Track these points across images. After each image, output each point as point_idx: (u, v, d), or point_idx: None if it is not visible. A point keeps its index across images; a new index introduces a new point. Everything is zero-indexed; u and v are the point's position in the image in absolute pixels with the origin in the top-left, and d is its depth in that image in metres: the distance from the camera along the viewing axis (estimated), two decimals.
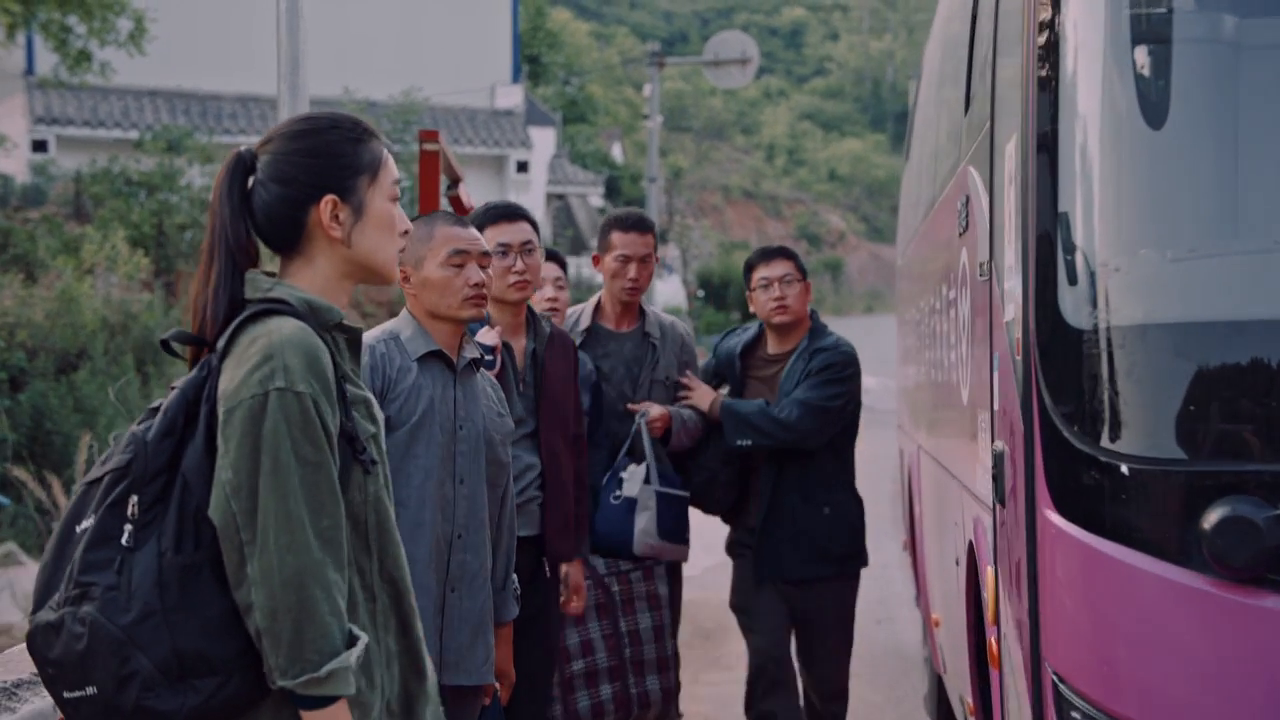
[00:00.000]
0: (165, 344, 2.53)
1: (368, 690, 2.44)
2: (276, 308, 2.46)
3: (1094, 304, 2.81)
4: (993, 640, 3.69)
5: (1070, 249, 2.86)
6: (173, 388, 2.47)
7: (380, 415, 2.60)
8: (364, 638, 2.39)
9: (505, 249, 4.41)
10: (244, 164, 2.55)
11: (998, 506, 3.50)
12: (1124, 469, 2.73)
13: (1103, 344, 2.79)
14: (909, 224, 8.36)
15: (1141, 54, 2.81)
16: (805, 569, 5.41)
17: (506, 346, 4.47)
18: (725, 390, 5.49)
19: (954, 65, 5.44)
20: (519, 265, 4.46)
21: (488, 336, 4.35)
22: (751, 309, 5.50)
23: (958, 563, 4.84)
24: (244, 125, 24.32)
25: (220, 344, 2.45)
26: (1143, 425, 2.75)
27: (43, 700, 3.65)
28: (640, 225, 5.33)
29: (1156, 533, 2.71)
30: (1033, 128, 2.95)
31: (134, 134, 21.45)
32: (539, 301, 5.04)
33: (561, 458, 4.49)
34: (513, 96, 28.01)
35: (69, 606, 2.34)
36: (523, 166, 26.96)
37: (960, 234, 4.52)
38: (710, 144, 60.87)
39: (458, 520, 3.70)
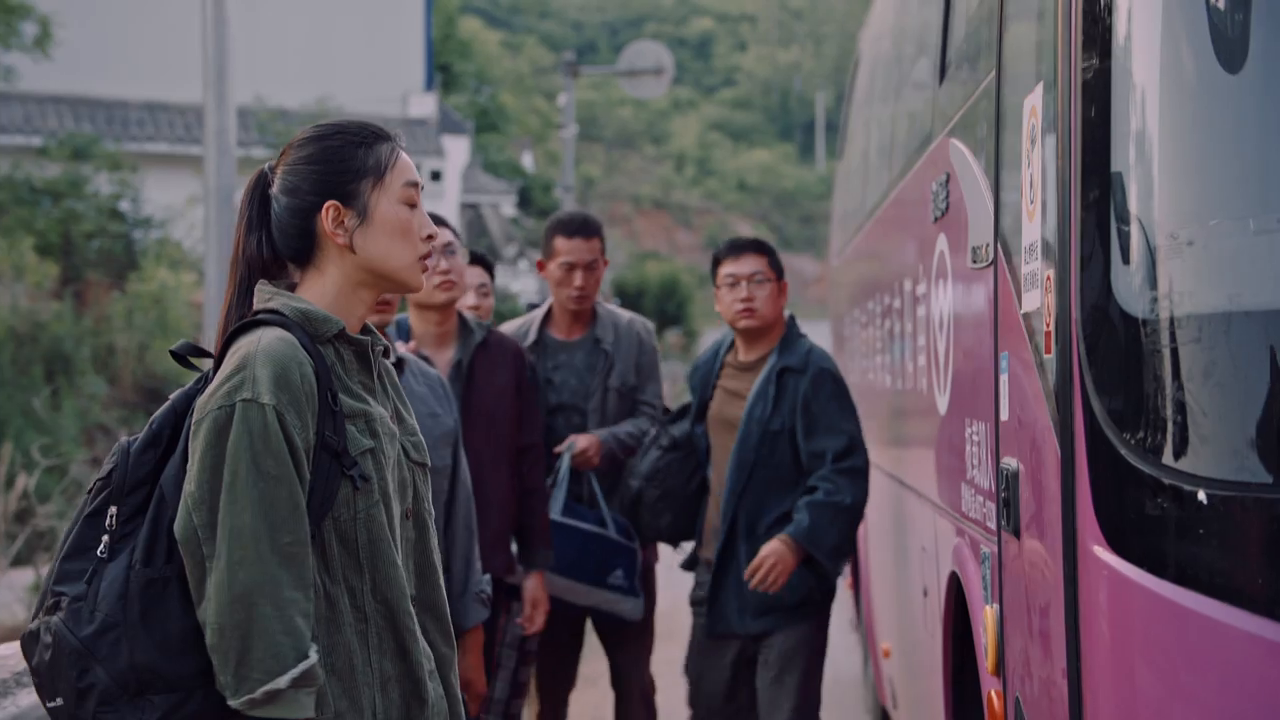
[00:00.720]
0: (177, 355, 2.50)
1: (350, 712, 2.38)
2: (266, 318, 2.42)
3: (1160, 287, 2.23)
4: (993, 694, 3.13)
5: (1128, 219, 2.28)
6: (168, 398, 2.46)
7: (389, 430, 2.49)
8: (310, 659, 2.29)
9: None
10: (263, 180, 2.54)
11: (1005, 536, 2.94)
12: (1201, 496, 2.16)
13: (1171, 337, 2.21)
14: (847, 225, 7.82)
15: None
16: (764, 621, 4.66)
17: (424, 359, 4.15)
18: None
19: (919, 39, 4.90)
20: (443, 265, 4.25)
21: (400, 350, 4.04)
22: (717, 309, 4.86)
23: (926, 593, 4.29)
24: (151, 132, 23.61)
25: (217, 357, 2.44)
26: (1224, 440, 2.16)
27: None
28: (585, 229, 4.94)
29: (1244, 578, 2.13)
30: (1075, 71, 2.38)
31: (38, 140, 20.64)
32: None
33: (490, 472, 4.32)
34: (426, 105, 27.60)
35: (44, 616, 2.35)
36: (436, 175, 26.42)
37: (936, 219, 3.97)
38: (620, 153, 60.47)
39: None
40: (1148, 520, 2.23)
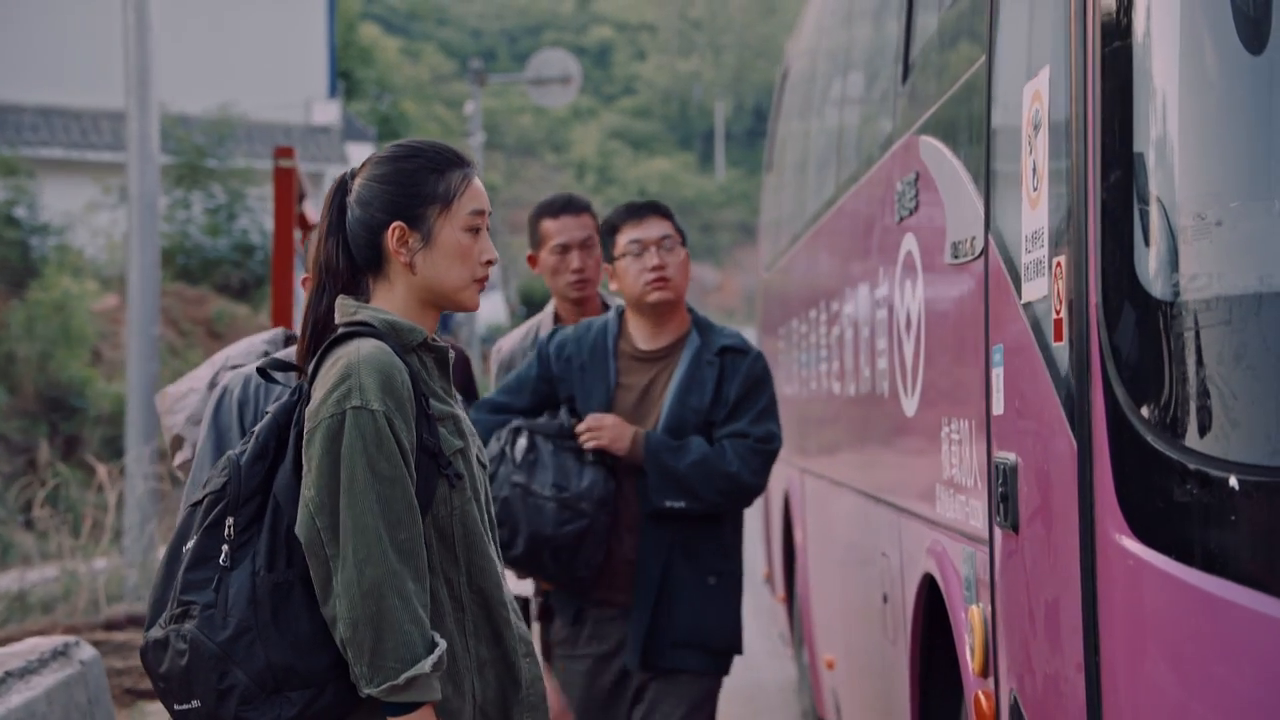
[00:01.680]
0: (263, 372, 2.71)
1: (455, 697, 2.55)
2: (359, 330, 2.56)
3: (1188, 269, 2.21)
4: (981, 695, 3.10)
5: (1150, 201, 2.26)
6: (266, 413, 2.63)
7: (470, 429, 2.69)
8: (442, 644, 2.47)
9: None
10: (344, 186, 2.68)
11: (1003, 533, 2.91)
12: (1233, 482, 2.15)
13: (1199, 320, 2.20)
14: (781, 235, 7.79)
15: None
16: (677, 656, 4.06)
17: None
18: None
19: (872, 43, 4.89)
20: None
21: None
22: (613, 287, 4.19)
23: (887, 599, 4.26)
24: (46, 138, 23.16)
25: (309, 368, 2.59)
26: (1257, 423, 2.15)
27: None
28: (572, 206, 4.51)
29: (1274, 563, 2.13)
30: (1094, 53, 2.36)
31: None
32: None
33: None
34: (329, 112, 27.37)
35: (173, 624, 2.48)
36: None
37: (902, 219, 3.95)
38: (521, 161, 60.30)
39: None
40: (1175, 507, 2.21)
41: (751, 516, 4.61)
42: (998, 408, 2.93)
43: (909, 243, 3.89)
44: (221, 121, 22.69)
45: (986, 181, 3.02)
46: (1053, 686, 2.62)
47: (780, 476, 7.44)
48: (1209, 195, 2.22)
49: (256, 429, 2.61)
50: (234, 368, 3.39)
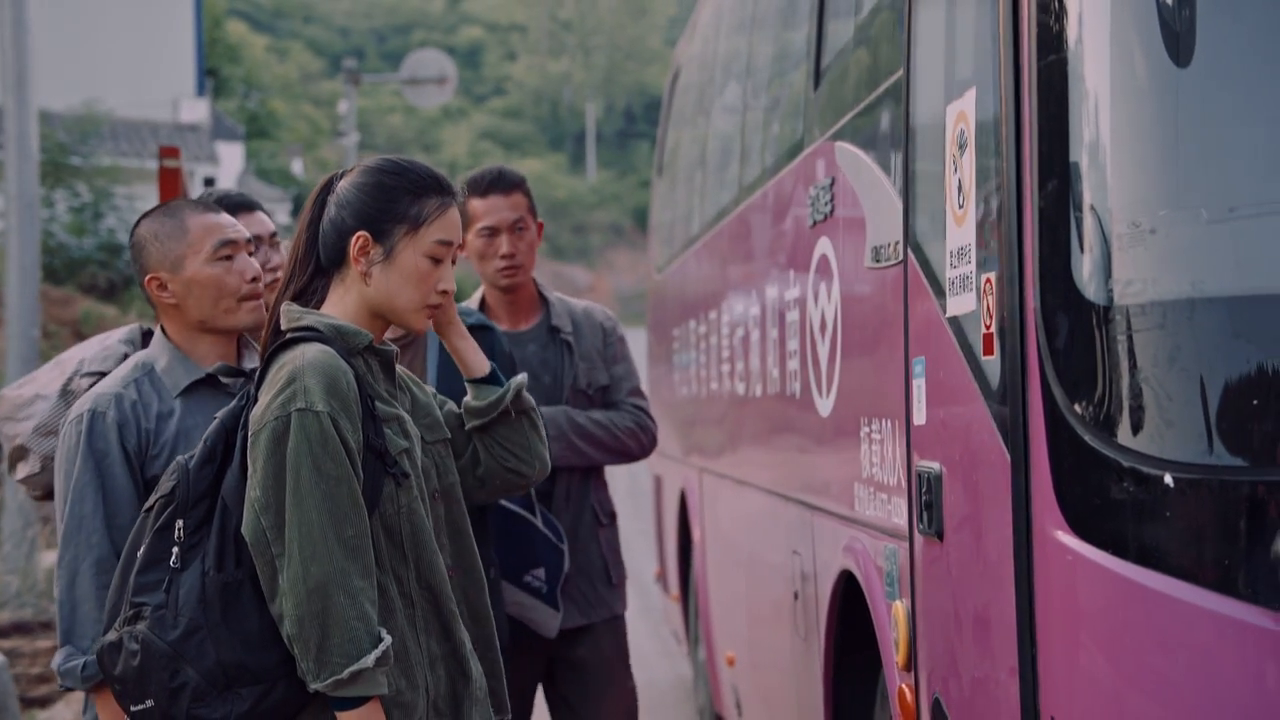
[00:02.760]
0: (213, 376, 2.84)
1: (408, 690, 2.59)
2: (304, 335, 2.62)
3: (1123, 276, 2.30)
4: (904, 689, 3.18)
5: (1085, 211, 2.34)
6: (215, 418, 2.69)
7: (415, 431, 2.74)
8: (387, 639, 2.52)
9: (255, 244, 3.36)
10: (329, 185, 2.77)
11: (925, 539, 2.98)
12: (1167, 479, 2.23)
13: (1134, 324, 2.28)
14: (675, 238, 7.85)
15: None
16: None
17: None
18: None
19: (778, 48, 4.96)
20: (274, 260, 3.49)
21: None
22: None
23: (798, 596, 4.34)
24: None
25: (259, 373, 2.64)
26: (1190, 425, 2.24)
27: None
28: (500, 184, 4.11)
29: (1210, 560, 2.22)
30: (1029, 70, 2.44)
31: None
32: None
33: None
34: (198, 110, 26.99)
35: (126, 626, 2.55)
36: (209, 182, 25.80)
37: (815, 223, 4.02)
38: None
39: None
40: (1111, 503, 2.29)
41: (638, 517, 4.57)
42: (919, 418, 3.00)
43: (823, 246, 3.95)
44: (86, 118, 22.26)
45: (906, 193, 3.10)
46: (979, 687, 2.70)
47: (676, 475, 7.49)
48: (1139, 206, 2.31)
49: (206, 433, 2.65)
50: (91, 374, 3.26)
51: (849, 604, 3.80)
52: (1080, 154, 2.37)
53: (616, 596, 4.32)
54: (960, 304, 2.75)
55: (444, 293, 2.73)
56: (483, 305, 4.22)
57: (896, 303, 3.19)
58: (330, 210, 2.71)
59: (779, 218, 4.65)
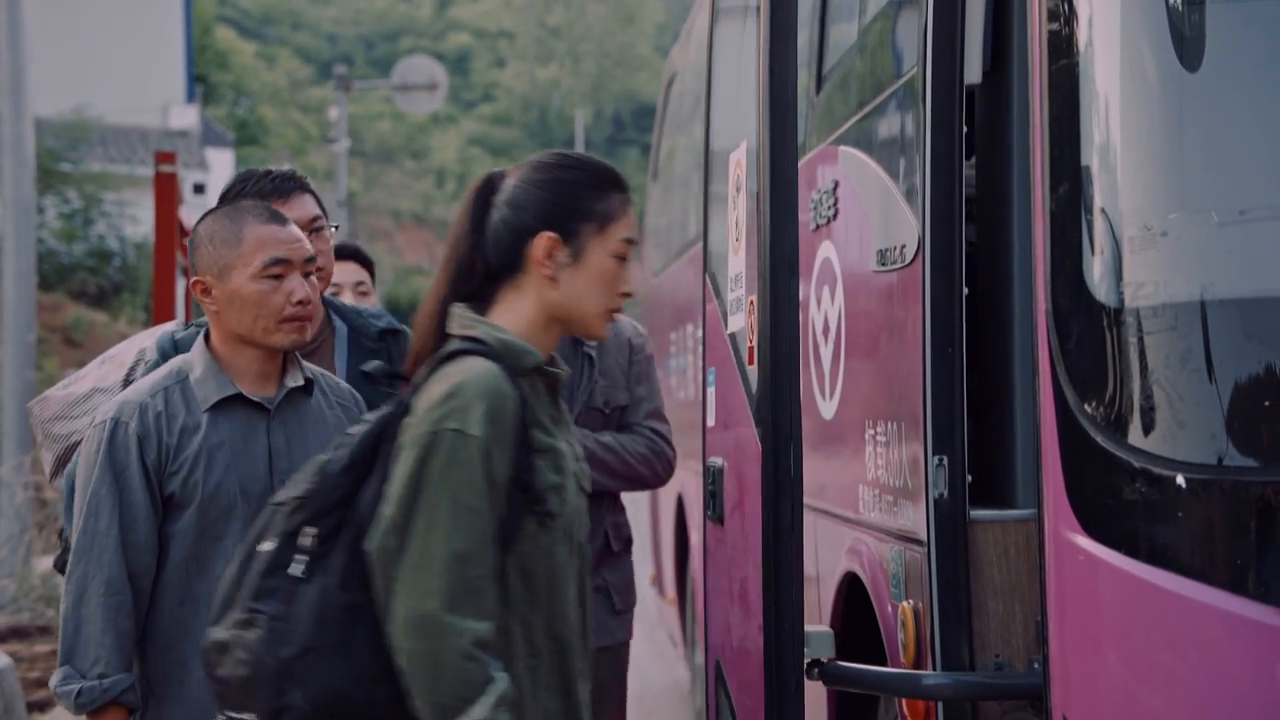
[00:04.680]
0: (370, 376, 2.54)
1: None
2: (472, 348, 2.44)
3: (1134, 278, 2.32)
4: None
5: (1099, 213, 2.37)
6: (366, 420, 2.47)
7: (572, 467, 2.53)
8: (503, 680, 2.32)
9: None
10: (490, 185, 2.56)
11: (710, 524, 3.13)
12: (1180, 480, 2.25)
13: (1146, 327, 2.30)
14: (671, 241, 7.87)
15: None
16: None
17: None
18: None
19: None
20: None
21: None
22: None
23: None
24: None
25: (419, 380, 2.44)
26: (1202, 426, 2.26)
27: None
28: None
29: (1222, 560, 2.23)
30: (1039, 75, 2.46)
31: None
32: None
33: None
34: (187, 116, 26.97)
35: (238, 629, 2.38)
36: (200, 189, 25.78)
37: (818, 227, 4.04)
38: (380, 168, 59.87)
39: None
40: (1124, 505, 2.31)
41: (633, 520, 4.56)
42: (711, 420, 3.41)
43: (826, 250, 3.97)
44: (76, 125, 22.28)
45: (926, 191, 3.11)
46: (743, 649, 2.92)
47: (674, 479, 7.50)
48: (1153, 206, 2.33)
49: (354, 435, 2.45)
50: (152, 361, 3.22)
51: (851, 607, 3.82)
52: (1091, 157, 2.39)
53: (620, 624, 4.15)
54: (736, 322, 2.86)
55: (625, 294, 2.56)
56: None
57: (903, 305, 3.21)
58: (502, 211, 2.51)
59: None
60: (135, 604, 2.88)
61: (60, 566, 3.31)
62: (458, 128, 67.76)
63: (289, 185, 3.41)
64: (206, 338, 3.02)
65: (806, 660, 2.94)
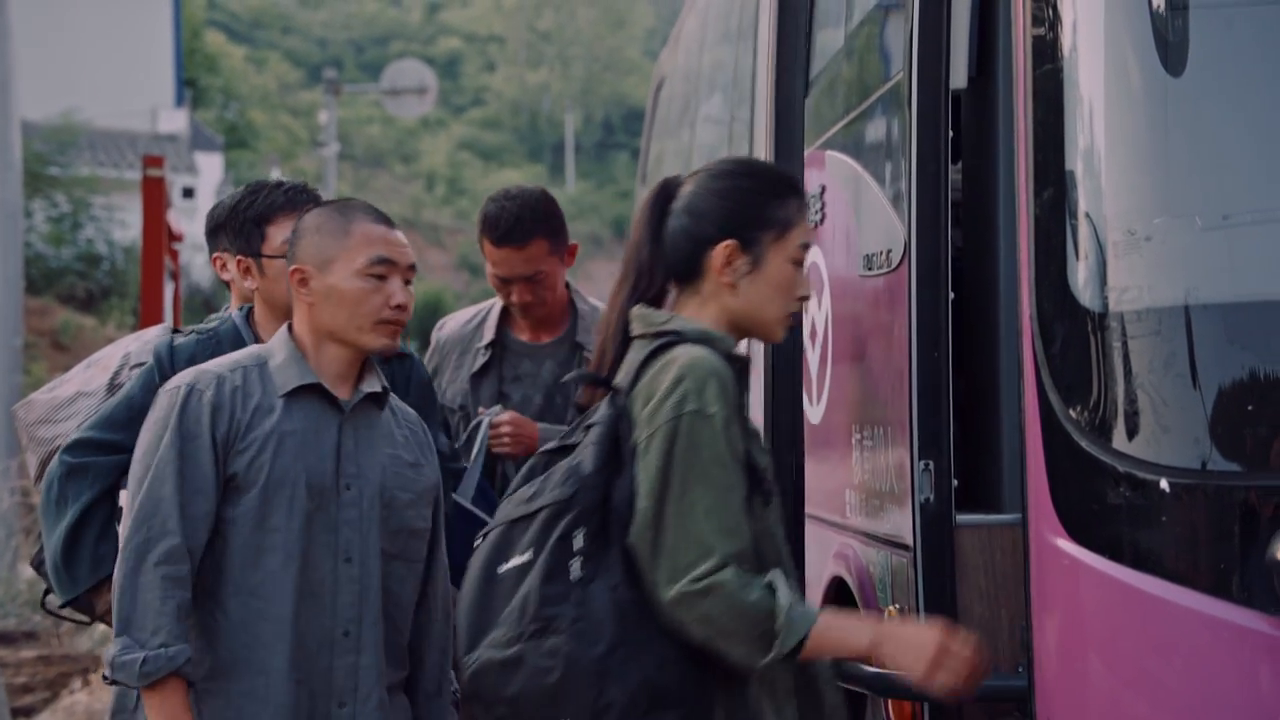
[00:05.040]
0: (589, 381, 2.61)
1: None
2: (677, 339, 2.48)
3: (1118, 283, 2.32)
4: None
5: (1083, 217, 2.37)
6: (588, 425, 2.51)
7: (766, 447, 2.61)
8: (771, 575, 2.40)
9: None
10: (667, 191, 2.60)
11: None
12: (1163, 484, 2.26)
13: (1130, 331, 2.31)
14: None
15: None
16: None
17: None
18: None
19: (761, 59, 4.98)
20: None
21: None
22: (251, 285, 3.30)
23: None
24: None
25: (622, 380, 2.50)
26: (1186, 430, 2.27)
27: None
28: (514, 236, 3.75)
29: (1205, 564, 2.24)
30: (1024, 81, 2.47)
31: None
32: None
33: None
34: (177, 121, 26.94)
35: (529, 641, 2.37)
36: (189, 193, 25.75)
37: None
38: (370, 172, 59.84)
39: (341, 613, 2.82)
40: (1108, 510, 2.32)
41: None
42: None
43: (813, 254, 3.97)
44: (64, 129, 22.21)
45: (910, 195, 3.11)
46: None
47: None
48: (1137, 211, 2.33)
49: (593, 439, 2.48)
50: (139, 365, 3.20)
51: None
52: (1075, 162, 2.40)
53: None
54: None
55: (803, 299, 2.61)
56: (504, 313, 3.98)
57: (890, 309, 3.22)
58: (681, 219, 2.55)
59: None
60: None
61: (37, 566, 3.28)
62: (448, 132, 67.72)
63: (301, 198, 3.31)
64: (289, 328, 2.91)
65: None
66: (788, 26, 2.91)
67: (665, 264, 2.56)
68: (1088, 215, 2.38)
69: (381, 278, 2.84)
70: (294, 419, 2.83)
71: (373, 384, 2.93)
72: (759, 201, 2.55)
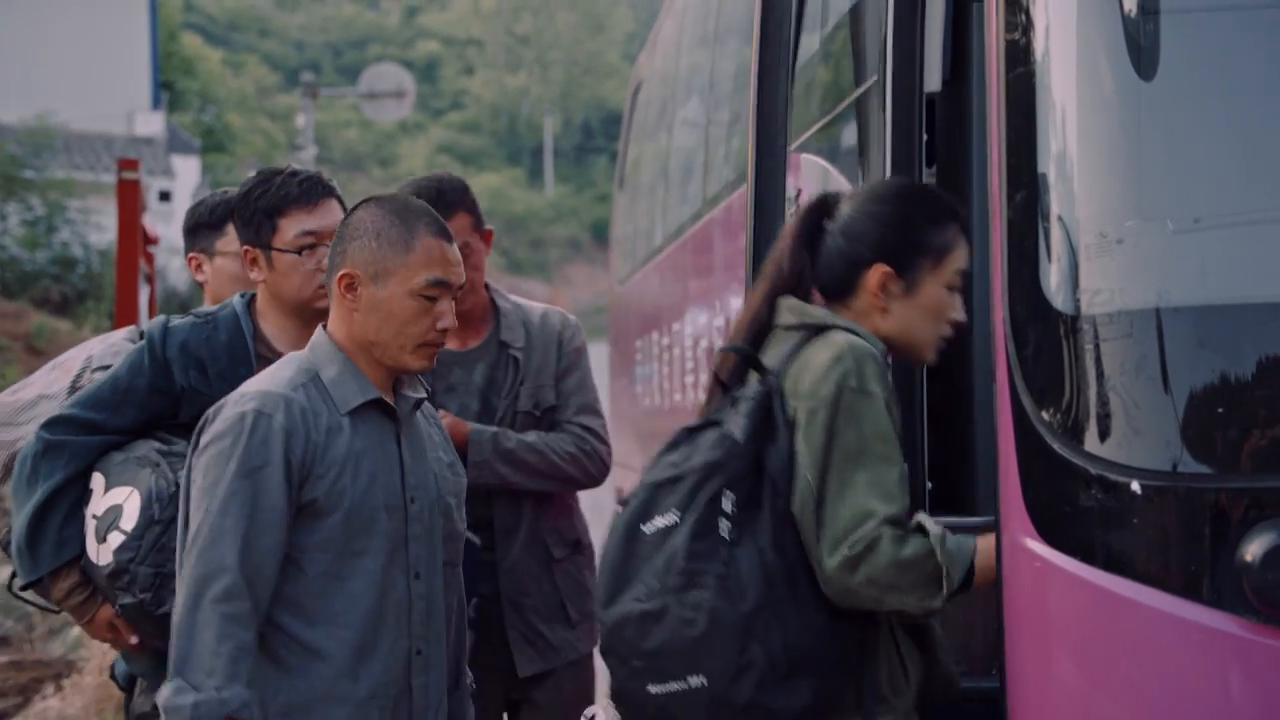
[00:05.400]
0: (742, 356, 2.59)
1: (896, 697, 2.53)
2: (831, 327, 2.53)
3: (1090, 286, 2.33)
4: None
5: (1055, 220, 2.38)
6: (734, 400, 2.54)
7: None
8: (922, 521, 2.45)
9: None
10: (824, 205, 2.63)
11: None
12: (1135, 486, 2.26)
13: (1102, 334, 2.31)
14: (637, 250, 7.88)
15: None
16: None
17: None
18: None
19: (743, 62, 4.99)
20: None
21: None
22: (255, 276, 3.16)
23: None
24: None
25: (776, 364, 2.53)
26: (1157, 432, 2.27)
27: None
28: (436, 207, 3.47)
29: (1177, 566, 2.24)
30: (997, 84, 2.47)
31: None
32: None
33: None
34: (153, 124, 26.83)
35: (674, 594, 2.39)
36: (165, 196, 25.65)
37: None
38: (348, 175, 59.71)
39: (414, 631, 2.70)
40: (1080, 511, 2.32)
41: (598, 525, 4.49)
42: None
43: None
44: (39, 131, 22.11)
45: None
46: None
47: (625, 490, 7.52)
48: (1109, 214, 2.34)
49: (743, 411, 2.49)
50: (102, 367, 3.12)
51: None
52: (1047, 165, 2.40)
53: (579, 635, 3.87)
54: None
55: (954, 324, 2.62)
56: None
57: None
58: (837, 240, 2.58)
59: (742, 230, 4.67)
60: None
61: (4, 545, 3.17)
62: (426, 135, 67.71)
63: (317, 191, 3.11)
64: (331, 338, 2.72)
65: None
66: (771, 29, 2.91)
67: (816, 277, 2.60)
68: (1060, 218, 2.39)
69: (433, 299, 2.68)
70: (363, 437, 2.68)
71: (417, 389, 2.80)
72: (917, 227, 2.57)
